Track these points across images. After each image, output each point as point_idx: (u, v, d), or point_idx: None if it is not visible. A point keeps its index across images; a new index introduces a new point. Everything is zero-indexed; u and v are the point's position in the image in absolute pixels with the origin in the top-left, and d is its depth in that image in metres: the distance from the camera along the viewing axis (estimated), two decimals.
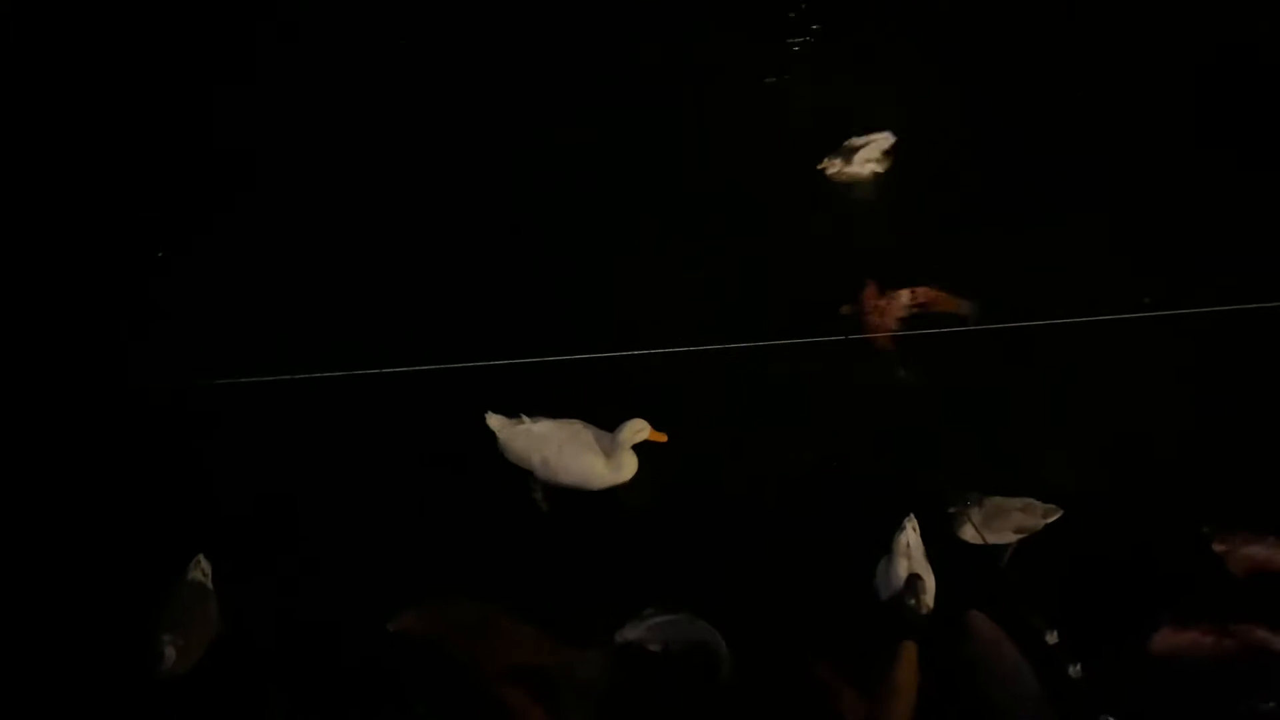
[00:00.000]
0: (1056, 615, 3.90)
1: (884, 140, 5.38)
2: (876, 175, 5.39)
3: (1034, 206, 5.26)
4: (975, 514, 4.03)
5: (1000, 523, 4.04)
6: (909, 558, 3.91)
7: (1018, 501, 4.08)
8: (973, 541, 4.04)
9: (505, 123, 5.82)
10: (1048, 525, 4.05)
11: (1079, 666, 3.78)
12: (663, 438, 4.14)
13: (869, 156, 5.37)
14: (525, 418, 4.21)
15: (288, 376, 4.49)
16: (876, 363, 4.65)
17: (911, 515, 3.99)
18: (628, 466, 4.14)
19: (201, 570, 3.96)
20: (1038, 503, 4.08)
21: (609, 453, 4.11)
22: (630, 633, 3.79)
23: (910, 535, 3.95)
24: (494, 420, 4.22)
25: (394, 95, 5.96)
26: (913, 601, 3.83)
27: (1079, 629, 3.86)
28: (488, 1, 6.47)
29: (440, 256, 5.19)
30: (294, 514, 4.20)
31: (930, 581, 3.90)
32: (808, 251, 5.10)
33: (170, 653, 3.72)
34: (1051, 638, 3.86)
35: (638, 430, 4.10)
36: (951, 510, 4.07)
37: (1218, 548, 4.00)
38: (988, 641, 3.81)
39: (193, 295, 5.05)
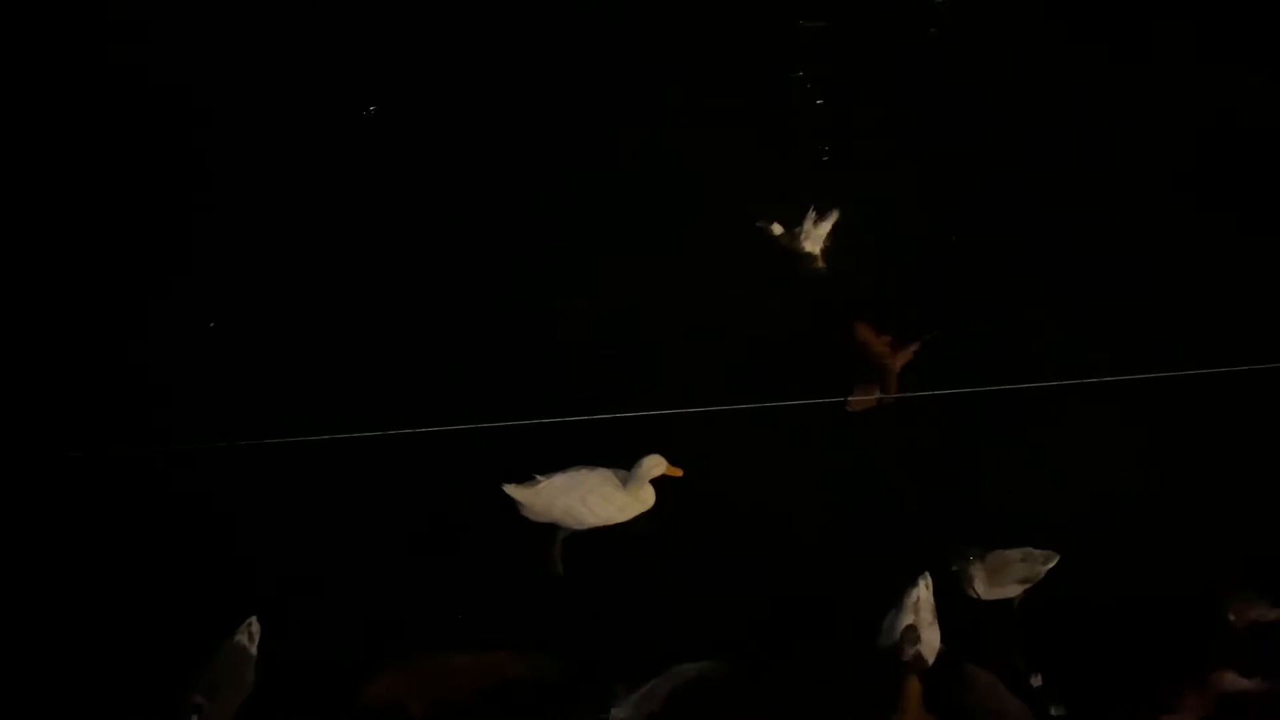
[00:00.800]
0: (1043, 660, 4.11)
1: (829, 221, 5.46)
2: (823, 251, 5.47)
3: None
4: (979, 568, 4.19)
5: (1004, 575, 4.21)
6: (916, 613, 4.07)
7: (1017, 552, 4.24)
8: (980, 597, 4.20)
9: (505, 184, 5.84)
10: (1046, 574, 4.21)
11: (1039, 676, 4.04)
12: (678, 472, 4.34)
13: (819, 235, 5.44)
14: (539, 477, 4.33)
15: (301, 438, 4.55)
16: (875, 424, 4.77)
17: (926, 574, 4.14)
18: (647, 496, 4.35)
19: (249, 633, 4.03)
20: (1035, 550, 4.24)
21: (627, 485, 4.32)
22: (620, 713, 3.92)
23: (922, 592, 4.11)
24: (512, 489, 4.34)
25: (406, 155, 5.95)
26: (910, 651, 3.98)
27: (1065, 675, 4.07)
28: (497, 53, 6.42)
29: (430, 316, 5.25)
30: (322, 577, 4.30)
31: (934, 639, 4.06)
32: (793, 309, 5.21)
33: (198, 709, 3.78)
34: (1036, 680, 4.07)
35: (654, 465, 4.31)
36: (955, 569, 4.22)
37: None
38: (985, 688, 3.99)
39: (220, 356, 5.06)
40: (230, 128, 5.87)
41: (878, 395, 4.75)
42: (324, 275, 5.36)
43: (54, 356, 5.03)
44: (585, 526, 4.34)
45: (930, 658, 4.05)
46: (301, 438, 4.52)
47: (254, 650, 4.01)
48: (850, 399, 4.72)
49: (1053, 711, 3.99)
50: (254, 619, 4.07)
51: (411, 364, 5.02)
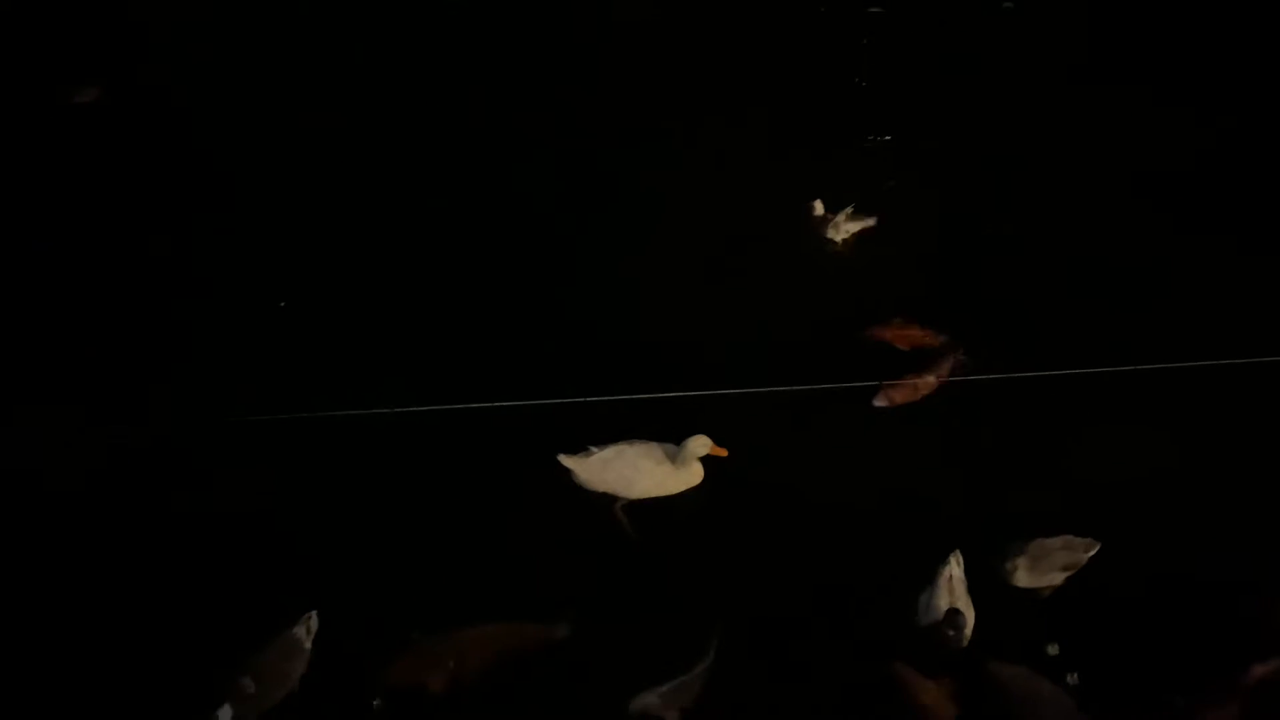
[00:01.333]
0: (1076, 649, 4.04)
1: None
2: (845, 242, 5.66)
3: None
4: (1023, 560, 4.18)
5: (1046, 564, 4.20)
6: (950, 591, 4.08)
7: (1058, 540, 4.24)
8: (1025, 586, 4.19)
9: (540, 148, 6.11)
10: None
11: (1075, 676, 3.97)
12: (723, 452, 4.50)
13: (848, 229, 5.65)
14: (592, 449, 4.51)
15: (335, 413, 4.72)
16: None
17: (957, 551, 4.18)
18: (695, 472, 4.54)
19: (308, 626, 4.04)
20: (1075, 538, 4.25)
21: (675, 462, 4.49)
22: (643, 702, 3.90)
23: (954, 569, 4.14)
24: (567, 459, 4.51)
25: (459, 140, 6.19)
26: (952, 633, 4.01)
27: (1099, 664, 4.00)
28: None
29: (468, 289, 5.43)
30: (379, 549, 4.39)
31: (970, 615, 4.06)
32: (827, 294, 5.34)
33: (246, 686, 3.83)
34: (1072, 679, 3.99)
35: (701, 444, 4.49)
36: (1002, 564, 4.21)
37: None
38: (1017, 680, 3.93)
39: (289, 335, 5.20)
40: (296, 117, 6.22)
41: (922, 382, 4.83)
42: (388, 259, 5.56)
43: (136, 333, 5.22)
44: (634, 497, 4.50)
45: (967, 637, 4.05)
46: (364, 411, 4.71)
47: (308, 645, 4.01)
48: (887, 392, 4.79)
49: (1068, 680, 3.97)
50: (314, 614, 4.07)
51: (467, 343, 5.17)
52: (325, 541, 4.38)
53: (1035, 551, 4.19)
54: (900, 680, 3.93)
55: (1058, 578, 4.18)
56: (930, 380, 4.83)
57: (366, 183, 5.93)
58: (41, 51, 6.61)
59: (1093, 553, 4.19)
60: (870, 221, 5.63)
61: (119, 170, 5.98)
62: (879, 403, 4.76)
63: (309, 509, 4.50)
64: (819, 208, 5.64)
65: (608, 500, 4.50)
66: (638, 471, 4.49)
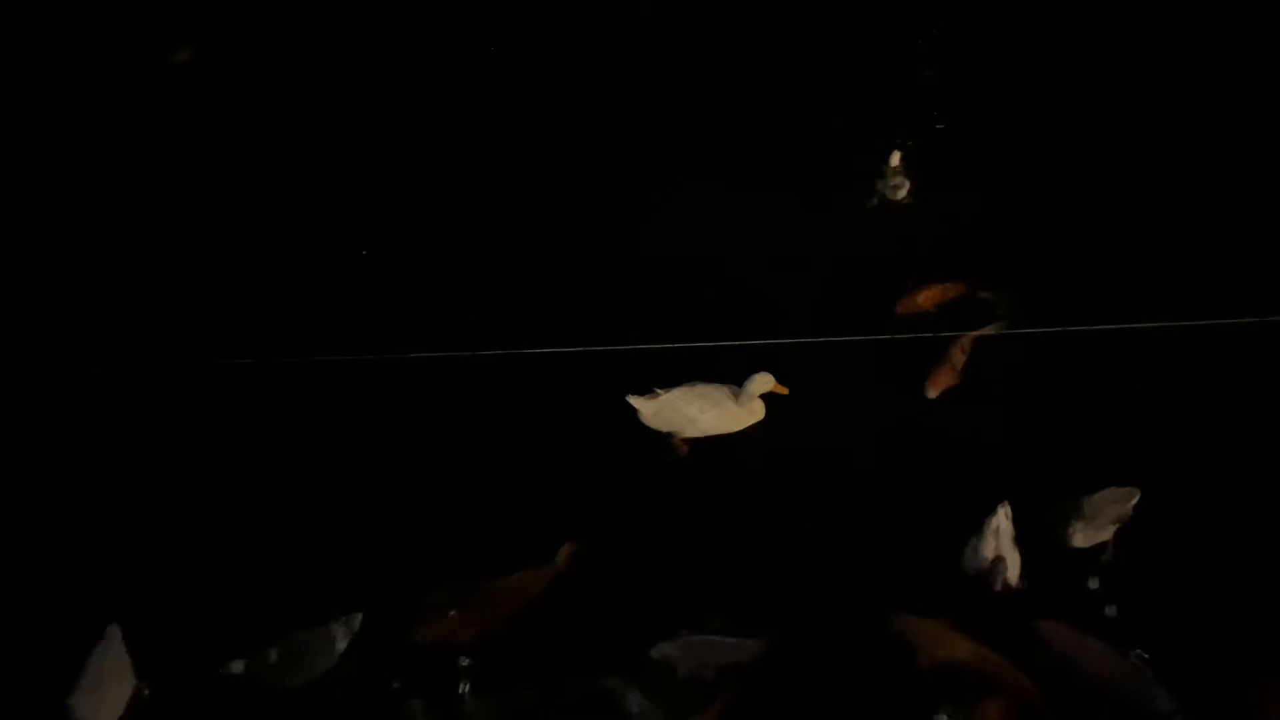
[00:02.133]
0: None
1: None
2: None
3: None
4: (1082, 520, 4.24)
5: (1099, 519, 4.26)
6: (997, 539, 4.18)
7: (1105, 494, 4.30)
8: (1078, 546, 4.24)
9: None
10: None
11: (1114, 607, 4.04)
12: (784, 390, 4.68)
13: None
14: (658, 390, 4.71)
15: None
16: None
17: (1005, 503, 4.25)
18: (758, 409, 4.72)
19: (348, 626, 4.06)
20: (1118, 489, 4.30)
21: (739, 399, 4.68)
22: (665, 650, 3.99)
23: (1001, 520, 4.22)
24: (636, 400, 4.71)
25: (525, 92, 6.37)
26: (997, 584, 4.12)
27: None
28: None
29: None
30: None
31: (1016, 558, 4.16)
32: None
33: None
34: (1110, 610, 4.06)
35: (764, 381, 4.67)
36: (1060, 528, 4.26)
37: None
38: (1065, 639, 3.96)
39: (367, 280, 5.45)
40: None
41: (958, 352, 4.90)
42: (457, 204, 5.79)
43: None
44: (697, 434, 4.69)
45: (1015, 581, 4.16)
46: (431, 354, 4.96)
47: (341, 645, 4.01)
48: (933, 381, 4.83)
49: (1106, 611, 4.06)
50: (359, 616, 4.08)
51: (530, 292, 5.37)
52: (376, 486, 4.56)
53: (1087, 509, 4.24)
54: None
55: (1109, 532, 4.22)
56: (965, 343, 4.88)
57: (436, 127, 6.15)
58: (138, 11, 6.86)
59: (1135, 500, 4.25)
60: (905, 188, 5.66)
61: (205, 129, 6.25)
62: (931, 394, 4.79)
63: (364, 453, 4.69)
64: (896, 159, 5.68)
65: (670, 441, 4.68)
66: (701, 409, 4.67)
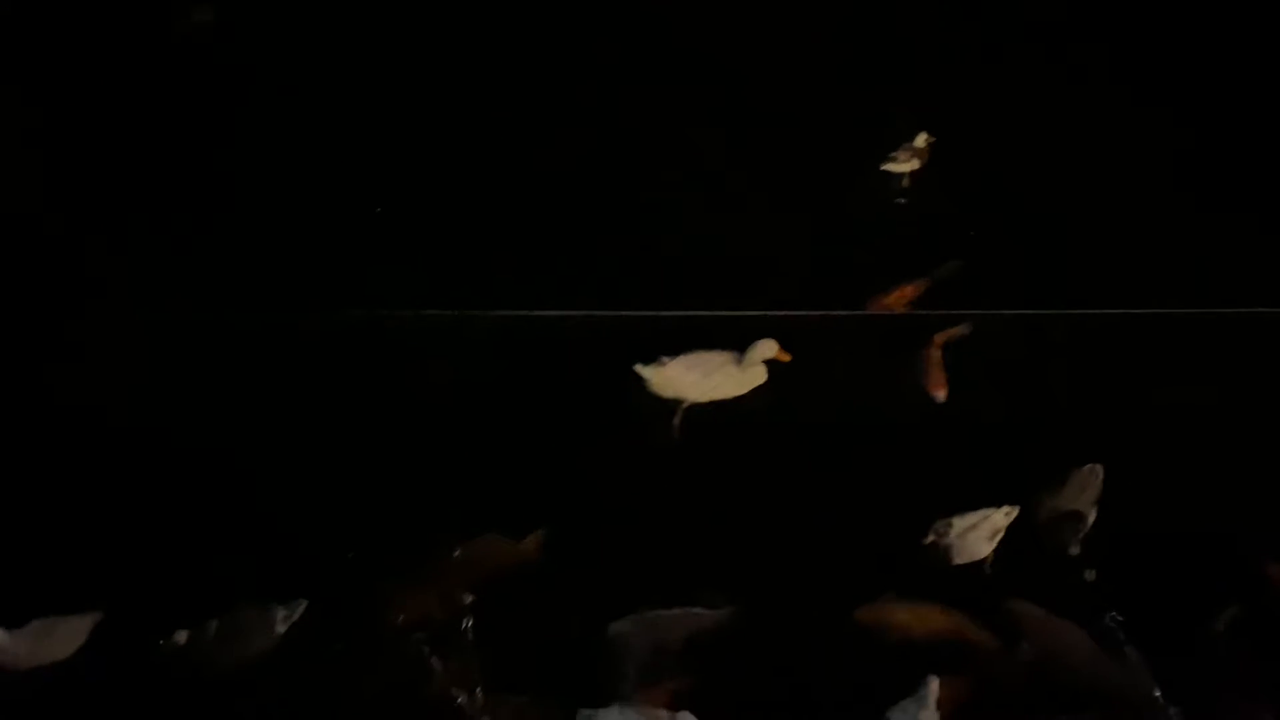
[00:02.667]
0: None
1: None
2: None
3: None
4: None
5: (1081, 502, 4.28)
6: (976, 525, 4.19)
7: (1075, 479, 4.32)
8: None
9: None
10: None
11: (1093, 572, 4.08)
12: (787, 357, 4.78)
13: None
14: (665, 358, 4.81)
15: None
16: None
17: (1012, 507, 4.28)
18: (760, 373, 4.81)
19: (288, 614, 4.02)
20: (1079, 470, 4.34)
21: (743, 364, 4.79)
22: (621, 627, 3.96)
23: (999, 517, 4.22)
24: (642, 369, 4.81)
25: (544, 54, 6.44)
26: (937, 539, 4.19)
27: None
28: None
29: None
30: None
31: (980, 550, 4.16)
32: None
33: None
34: (1090, 575, 4.09)
35: (768, 347, 4.78)
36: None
37: None
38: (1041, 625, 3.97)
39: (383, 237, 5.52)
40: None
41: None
42: (464, 163, 5.87)
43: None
44: (701, 399, 4.80)
45: (960, 560, 4.18)
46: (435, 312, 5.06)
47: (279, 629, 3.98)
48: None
49: (1086, 576, 4.11)
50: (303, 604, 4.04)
51: (539, 250, 5.48)
52: (375, 447, 4.61)
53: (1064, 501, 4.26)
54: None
55: (1092, 511, 4.24)
56: (935, 352, 4.87)
57: (446, 87, 6.24)
58: None
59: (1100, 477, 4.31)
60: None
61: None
62: (940, 396, 4.80)
63: (364, 414, 4.75)
64: (922, 139, 5.78)
65: (672, 409, 4.76)
66: (705, 375, 4.80)
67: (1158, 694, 3.78)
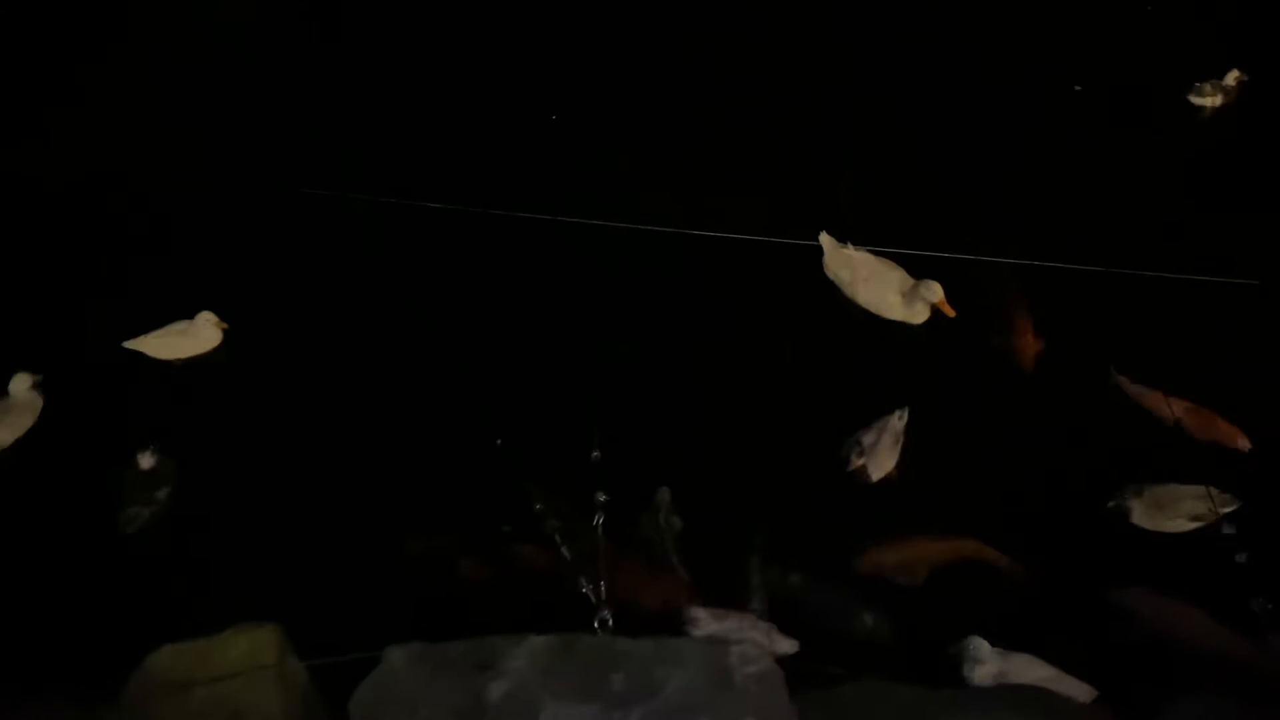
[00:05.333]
0: None
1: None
2: None
3: None
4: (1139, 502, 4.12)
5: (1172, 511, 4.10)
6: (879, 435, 4.25)
7: (1179, 489, 4.13)
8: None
9: None
10: None
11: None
12: (951, 313, 4.61)
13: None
14: (850, 245, 4.84)
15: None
16: None
17: (905, 408, 4.34)
18: (920, 313, 4.69)
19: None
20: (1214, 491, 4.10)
21: (907, 297, 4.66)
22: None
23: (894, 421, 4.30)
24: (825, 238, 4.88)
25: None
26: (856, 460, 4.22)
27: None
28: None
29: None
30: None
31: (889, 463, 4.23)
32: None
33: None
34: (1241, 558, 3.92)
35: (936, 291, 4.59)
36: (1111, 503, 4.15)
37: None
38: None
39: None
40: None
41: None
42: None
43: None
44: (856, 301, 4.77)
45: (876, 476, 4.22)
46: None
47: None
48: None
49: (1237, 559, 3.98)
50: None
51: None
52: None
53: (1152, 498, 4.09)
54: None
55: (1183, 525, 4.05)
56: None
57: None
58: None
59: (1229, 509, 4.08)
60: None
61: None
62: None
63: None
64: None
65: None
66: (878, 285, 4.72)
67: None
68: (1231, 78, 5.72)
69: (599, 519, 4.07)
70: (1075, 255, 4.87)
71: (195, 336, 4.62)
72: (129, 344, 4.58)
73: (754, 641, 3.58)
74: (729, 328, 4.77)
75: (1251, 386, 4.37)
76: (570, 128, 5.65)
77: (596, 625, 3.79)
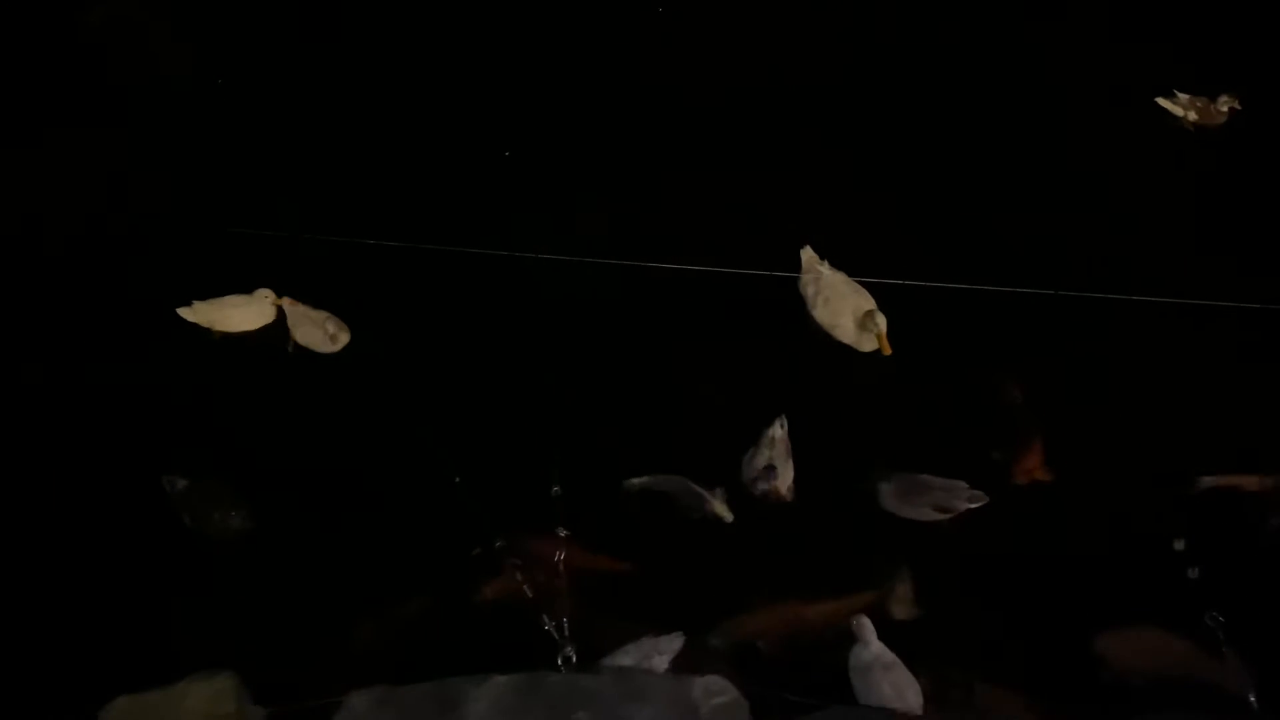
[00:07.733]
0: None
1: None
2: None
3: None
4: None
5: (919, 501, 4.23)
6: (772, 448, 4.31)
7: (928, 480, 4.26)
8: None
9: None
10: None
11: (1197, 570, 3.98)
12: (888, 350, 4.53)
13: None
14: (827, 263, 4.85)
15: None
16: None
17: (783, 415, 4.37)
18: (868, 342, 4.63)
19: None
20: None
21: (860, 325, 4.63)
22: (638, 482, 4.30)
23: (778, 431, 4.35)
24: (806, 252, 4.89)
25: None
26: (765, 488, 4.26)
27: None
28: None
29: None
30: None
31: (789, 475, 4.28)
32: None
33: None
34: (1193, 573, 3.98)
35: (879, 325, 4.54)
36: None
37: None
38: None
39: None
40: None
41: None
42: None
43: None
44: (814, 317, 4.76)
45: (786, 493, 4.28)
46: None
47: None
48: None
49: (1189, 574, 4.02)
50: None
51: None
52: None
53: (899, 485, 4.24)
54: None
55: (928, 514, 4.18)
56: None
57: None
58: None
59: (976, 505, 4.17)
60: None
61: None
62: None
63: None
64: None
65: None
66: (837, 306, 4.70)
67: (1253, 698, 3.72)
68: (1223, 102, 5.52)
69: (560, 555, 4.07)
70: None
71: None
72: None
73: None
74: (689, 359, 4.75)
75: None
76: (525, 164, 5.61)
77: (560, 662, 3.78)
